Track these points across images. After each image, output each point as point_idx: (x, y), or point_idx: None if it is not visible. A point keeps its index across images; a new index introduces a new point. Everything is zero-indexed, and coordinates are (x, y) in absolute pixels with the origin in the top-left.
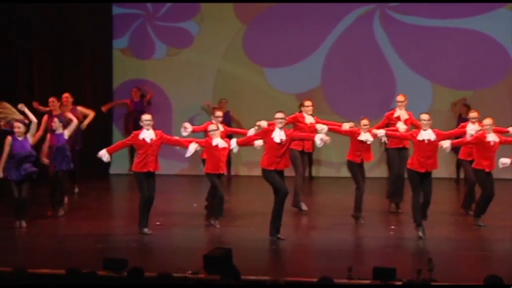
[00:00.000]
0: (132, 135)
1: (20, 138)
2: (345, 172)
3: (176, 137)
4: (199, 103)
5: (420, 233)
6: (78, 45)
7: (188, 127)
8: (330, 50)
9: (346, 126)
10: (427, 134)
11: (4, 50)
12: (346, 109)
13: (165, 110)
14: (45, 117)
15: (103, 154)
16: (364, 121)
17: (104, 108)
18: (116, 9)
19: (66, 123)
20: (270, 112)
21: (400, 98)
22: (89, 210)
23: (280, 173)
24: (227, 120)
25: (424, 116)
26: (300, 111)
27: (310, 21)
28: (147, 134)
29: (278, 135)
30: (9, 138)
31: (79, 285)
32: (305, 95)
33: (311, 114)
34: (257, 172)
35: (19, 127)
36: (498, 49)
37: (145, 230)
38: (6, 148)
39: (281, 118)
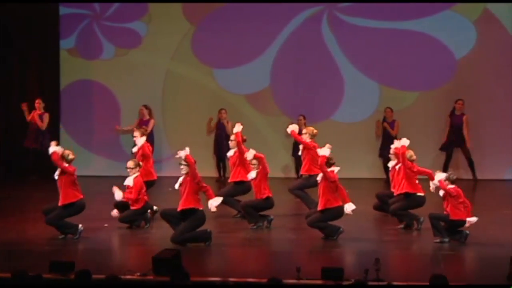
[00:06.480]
0: None
1: None
2: None
3: None
4: (148, 103)
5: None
6: (25, 45)
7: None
8: (279, 51)
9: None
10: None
11: None
12: (294, 110)
13: (113, 111)
14: None
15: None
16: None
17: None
18: (63, 9)
19: None
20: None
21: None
22: (35, 212)
23: None
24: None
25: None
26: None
27: (259, 22)
28: None
29: None
30: None
31: None
32: (254, 96)
33: None
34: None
35: None
36: (444, 51)
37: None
38: None
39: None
